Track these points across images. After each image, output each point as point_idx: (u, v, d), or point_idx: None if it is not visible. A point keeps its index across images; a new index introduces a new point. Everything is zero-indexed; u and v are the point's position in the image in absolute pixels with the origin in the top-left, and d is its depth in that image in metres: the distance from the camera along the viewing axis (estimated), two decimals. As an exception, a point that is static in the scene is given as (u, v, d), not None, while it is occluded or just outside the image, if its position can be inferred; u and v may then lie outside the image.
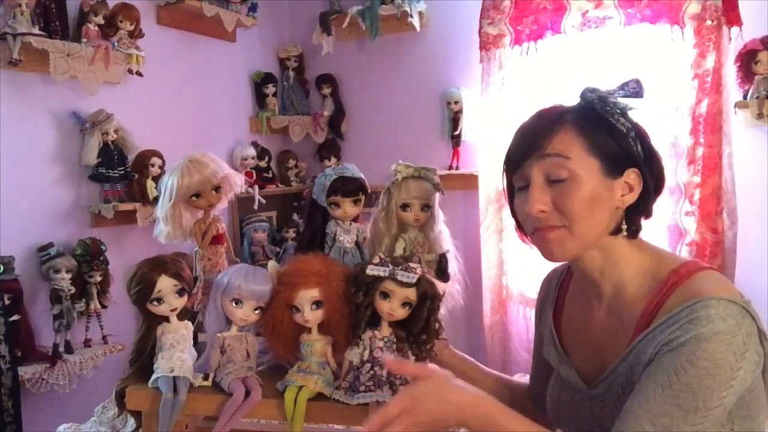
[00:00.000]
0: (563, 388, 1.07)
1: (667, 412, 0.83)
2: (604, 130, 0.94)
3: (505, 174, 1.03)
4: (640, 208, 0.97)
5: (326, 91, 3.14)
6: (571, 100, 1.00)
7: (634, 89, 0.95)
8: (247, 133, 3.01)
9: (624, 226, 0.96)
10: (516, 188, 1.01)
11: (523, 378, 1.92)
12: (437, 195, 1.19)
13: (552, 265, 1.14)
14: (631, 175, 0.94)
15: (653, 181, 0.96)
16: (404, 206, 1.17)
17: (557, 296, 1.14)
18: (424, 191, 1.17)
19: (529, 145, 0.96)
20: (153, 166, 2.27)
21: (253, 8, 2.81)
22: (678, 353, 0.84)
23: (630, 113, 0.95)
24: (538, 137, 0.95)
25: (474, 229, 2.72)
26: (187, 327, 1.11)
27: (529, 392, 1.26)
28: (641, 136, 0.96)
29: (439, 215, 1.21)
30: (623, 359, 0.93)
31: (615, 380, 0.94)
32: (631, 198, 0.95)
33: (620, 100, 0.95)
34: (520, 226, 1.07)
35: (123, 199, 2.25)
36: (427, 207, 1.17)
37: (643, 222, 1.00)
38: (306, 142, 3.20)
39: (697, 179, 2.29)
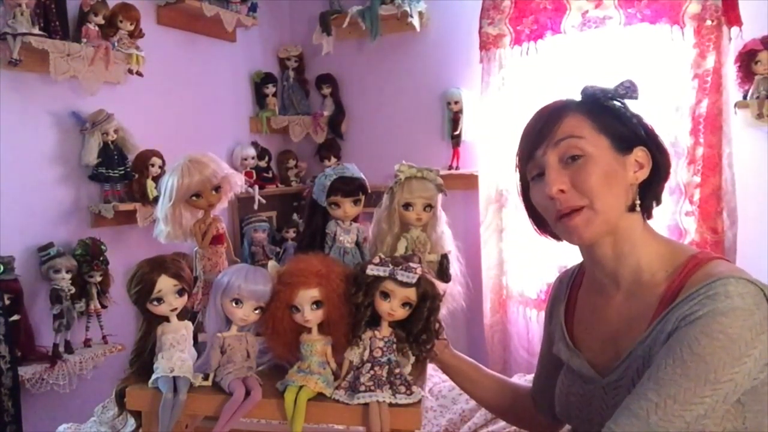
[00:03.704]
0: (574, 381, 1.07)
1: (675, 382, 0.83)
2: (609, 113, 0.99)
3: (517, 169, 1.06)
4: (653, 186, 1.00)
5: (326, 91, 3.14)
6: (573, 96, 1.04)
7: (629, 88, 0.99)
8: (247, 133, 3.02)
9: (638, 201, 0.99)
10: (530, 179, 1.03)
11: (522, 378, 1.93)
12: (440, 196, 1.19)
13: (556, 266, 1.14)
14: (639, 153, 0.98)
15: (662, 159, 1.00)
16: (407, 205, 1.17)
17: (569, 294, 1.15)
18: (426, 191, 1.17)
19: (539, 134, 0.99)
20: (153, 166, 2.27)
21: (253, 8, 2.82)
22: (694, 326, 0.84)
23: (628, 102, 1.00)
24: (547, 126, 0.99)
25: (474, 229, 2.72)
26: (187, 327, 1.10)
27: (532, 391, 1.27)
28: (644, 124, 1.00)
29: (442, 216, 1.21)
30: (642, 341, 0.93)
31: (631, 365, 0.95)
32: (643, 174, 0.99)
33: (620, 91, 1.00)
34: (536, 221, 1.09)
35: (123, 199, 2.26)
36: (429, 207, 1.17)
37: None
38: (306, 142, 3.20)
39: (697, 179, 2.29)
